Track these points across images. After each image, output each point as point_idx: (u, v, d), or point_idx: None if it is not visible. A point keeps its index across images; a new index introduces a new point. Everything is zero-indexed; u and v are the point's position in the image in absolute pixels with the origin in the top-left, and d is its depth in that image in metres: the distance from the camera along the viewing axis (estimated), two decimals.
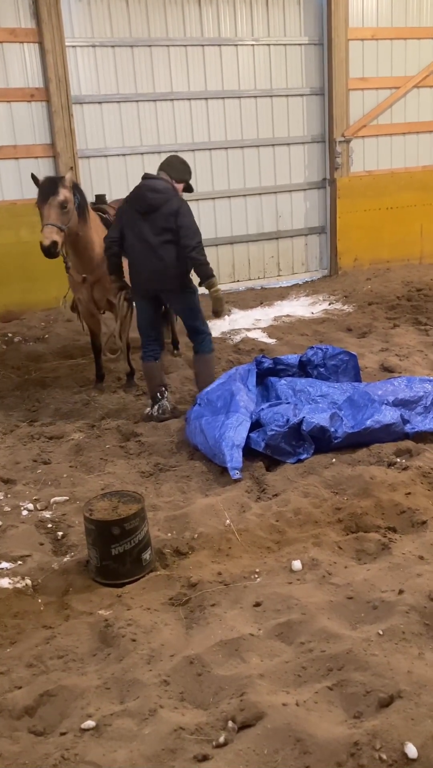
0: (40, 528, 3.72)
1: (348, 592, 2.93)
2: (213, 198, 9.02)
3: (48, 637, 2.84)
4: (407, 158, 10.04)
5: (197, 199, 8.47)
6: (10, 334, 7.57)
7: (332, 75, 9.20)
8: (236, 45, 8.82)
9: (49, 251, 4.84)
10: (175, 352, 6.73)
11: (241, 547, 3.42)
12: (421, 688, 2.30)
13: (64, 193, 4.94)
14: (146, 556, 3.26)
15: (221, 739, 2.20)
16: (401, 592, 2.84)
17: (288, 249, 9.83)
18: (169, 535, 3.56)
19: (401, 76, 9.67)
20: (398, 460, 4.15)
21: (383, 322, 7.42)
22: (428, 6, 9.67)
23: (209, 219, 8.97)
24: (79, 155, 8.19)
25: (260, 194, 9.43)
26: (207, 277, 4.83)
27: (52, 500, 4.01)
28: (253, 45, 8.91)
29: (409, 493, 3.74)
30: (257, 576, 3.17)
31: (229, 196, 9.23)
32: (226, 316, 7.92)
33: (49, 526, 3.75)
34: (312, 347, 5.25)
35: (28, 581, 3.19)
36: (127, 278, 5.19)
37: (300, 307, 8.48)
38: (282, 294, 9.17)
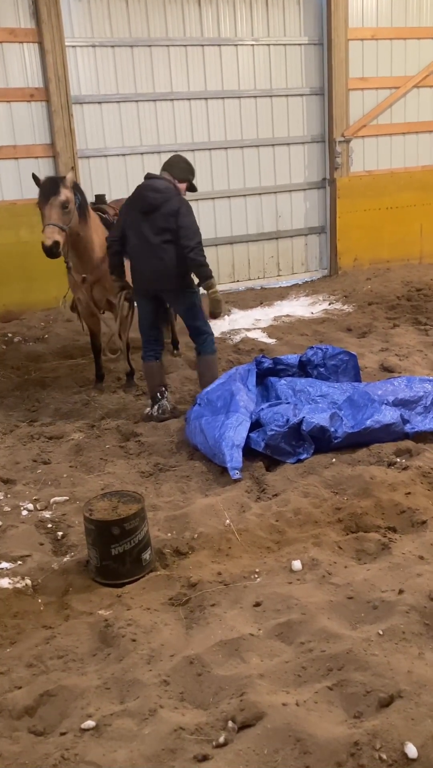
0: (40, 528, 3.71)
1: (348, 592, 2.93)
2: (213, 198, 9.02)
3: (48, 637, 2.84)
4: (406, 158, 10.04)
5: (197, 199, 8.46)
6: (9, 334, 7.57)
7: (332, 75, 9.20)
8: (236, 45, 8.82)
9: (51, 251, 4.84)
10: (175, 352, 6.73)
11: (241, 547, 3.42)
12: (421, 687, 2.30)
13: (65, 193, 4.94)
14: (146, 556, 3.26)
15: (221, 739, 2.20)
16: (401, 591, 2.84)
17: (288, 249, 9.83)
18: (169, 535, 3.56)
19: (401, 76, 9.67)
20: (398, 460, 4.15)
21: (382, 322, 7.42)
22: (428, 6, 9.67)
23: (209, 219, 8.97)
24: (79, 155, 8.18)
25: (259, 194, 9.43)
26: (205, 278, 4.82)
27: (52, 500, 4.01)
28: (253, 45, 8.91)
29: (409, 493, 3.74)
30: (257, 576, 3.17)
31: (229, 196, 9.23)
32: (226, 316, 7.93)
33: (49, 526, 3.75)
34: (312, 347, 5.25)
35: (28, 581, 3.19)
36: (129, 278, 5.19)
37: (300, 307, 8.48)
38: (282, 294, 9.17)
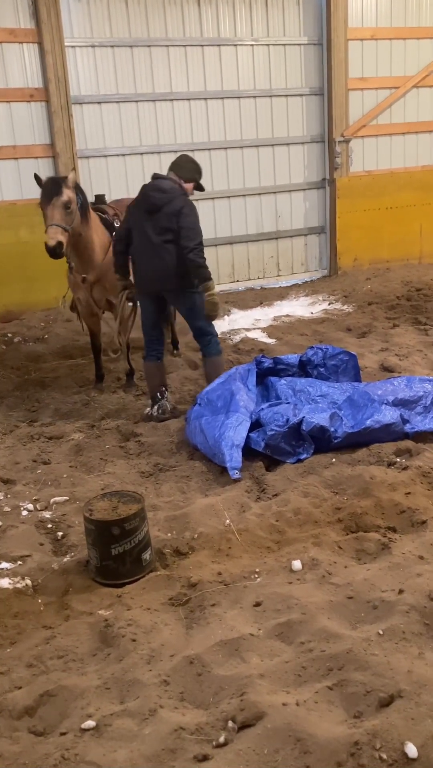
0: (40, 528, 3.71)
1: (348, 591, 2.93)
2: (212, 198, 9.02)
3: (48, 637, 2.84)
4: (406, 158, 10.05)
5: (196, 200, 8.42)
6: (9, 335, 7.57)
7: (332, 75, 9.20)
8: (236, 45, 8.82)
9: (55, 252, 4.84)
10: (175, 352, 6.73)
11: (241, 547, 3.42)
12: (421, 687, 2.30)
13: (67, 194, 4.94)
14: (146, 556, 3.26)
15: (221, 739, 2.20)
16: (401, 591, 2.84)
17: (288, 249, 9.83)
18: (169, 535, 3.56)
19: (401, 76, 9.68)
20: (398, 459, 4.15)
21: (382, 322, 7.42)
22: (428, 6, 9.68)
23: (209, 219, 8.97)
24: (79, 155, 8.18)
25: (259, 194, 9.43)
26: (203, 279, 4.81)
27: (52, 500, 4.01)
28: (252, 45, 8.91)
29: (409, 493, 3.74)
30: (257, 576, 3.17)
31: (228, 196, 9.24)
32: (226, 316, 7.93)
33: (49, 526, 3.75)
34: (312, 347, 5.25)
35: (28, 581, 3.19)
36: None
37: (300, 307, 8.48)
38: (282, 294, 9.17)
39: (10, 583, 3.15)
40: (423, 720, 2.17)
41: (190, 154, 8.27)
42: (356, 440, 4.33)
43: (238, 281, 9.60)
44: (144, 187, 4.95)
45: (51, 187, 4.95)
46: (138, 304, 5.42)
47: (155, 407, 5.17)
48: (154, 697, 2.41)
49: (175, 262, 4.83)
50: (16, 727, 2.39)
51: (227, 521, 3.60)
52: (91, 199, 5.80)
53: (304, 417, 4.30)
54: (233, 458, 4.14)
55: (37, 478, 4.34)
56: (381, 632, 2.61)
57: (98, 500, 3.38)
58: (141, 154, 8.58)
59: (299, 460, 4.26)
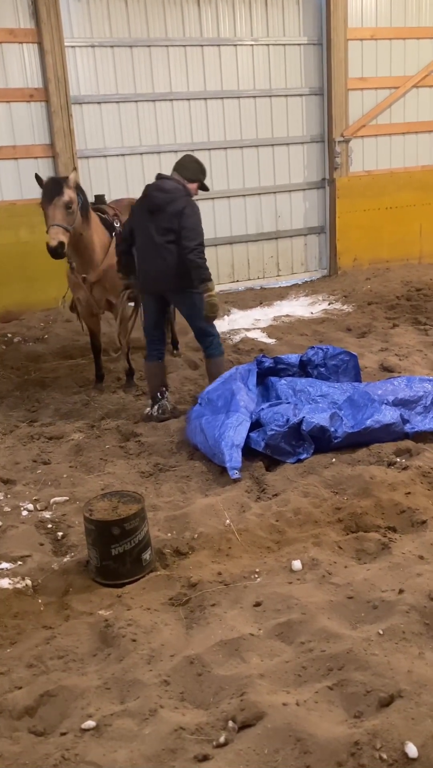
0: (40, 528, 3.71)
1: (348, 591, 2.93)
2: (212, 198, 9.01)
3: (48, 638, 2.84)
4: (406, 158, 10.04)
5: (196, 199, 8.46)
6: (9, 335, 7.57)
7: (331, 75, 9.20)
8: (235, 45, 8.82)
9: (56, 252, 4.84)
10: (175, 352, 6.73)
11: (241, 547, 3.42)
12: (421, 687, 2.30)
13: (69, 194, 4.94)
14: (146, 556, 3.26)
15: (222, 739, 2.21)
16: (401, 591, 2.84)
17: (287, 249, 9.83)
18: (169, 535, 3.56)
19: (400, 76, 9.67)
20: (398, 459, 4.15)
21: (382, 322, 7.42)
22: (427, 6, 9.67)
23: (208, 219, 8.92)
24: (79, 155, 8.18)
25: (259, 194, 9.43)
26: (202, 280, 4.80)
27: (52, 500, 4.01)
28: (252, 45, 8.91)
29: (409, 493, 3.74)
30: (257, 576, 3.17)
31: (228, 196, 9.23)
32: (225, 316, 7.93)
33: (49, 526, 3.75)
34: (313, 347, 5.25)
35: (28, 581, 3.19)
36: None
37: (299, 307, 8.48)
38: (281, 294, 9.17)
39: (10, 584, 3.15)
40: (423, 720, 2.17)
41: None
42: (356, 440, 4.33)
43: (238, 281, 9.60)
44: (147, 187, 4.96)
45: (52, 187, 4.95)
46: (140, 304, 5.43)
47: (155, 407, 5.17)
48: (155, 697, 2.41)
49: (176, 262, 4.83)
50: (17, 727, 2.39)
51: (227, 521, 3.60)
52: (90, 199, 5.81)
53: (304, 417, 4.30)
54: (233, 458, 4.14)
55: (37, 478, 4.34)
56: (381, 632, 2.61)
57: (98, 500, 3.38)
58: (141, 154, 8.58)
59: (299, 460, 4.26)
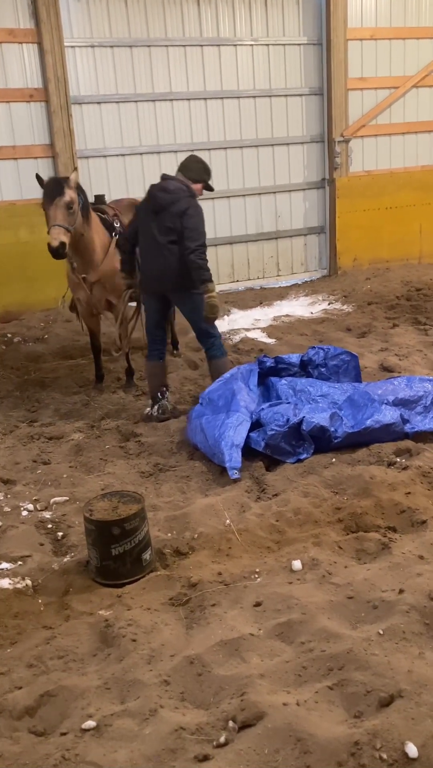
0: (40, 528, 3.72)
1: (348, 591, 2.93)
2: (212, 198, 9.00)
3: (48, 638, 2.84)
4: (406, 158, 10.05)
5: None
6: (9, 335, 7.57)
7: (331, 75, 9.21)
8: (235, 45, 8.82)
9: (58, 252, 4.84)
10: (175, 352, 6.73)
11: (241, 547, 3.42)
12: (421, 687, 2.30)
13: (70, 194, 4.94)
14: (146, 556, 3.26)
15: (222, 739, 2.21)
16: (401, 591, 2.84)
17: (287, 249, 9.83)
18: (169, 535, 3.56)
19: (400, 76, 9.68)
20: (398, 459, 4.15)
21: (382, 322, 7.42)
22: (427, 6, 9.68)
23: (208, 219, 8.83)
24: (78, 155, 8.18)
25: (259, 194, 9.43)
26: (203, 281, 4.80)
27: (52, 500, 4.01)
28: (252, 45, 8.91)
29: (409, 493, 3.74)
30: (257, 576, 3.17)
31: (228, 196, 9.24)
32: (225, 316, 7.93)
33: (49, 526, 3.75)
34: (314, 347, 5.25)
35: (29, 582, 3.19)
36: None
37: (299, 307, 8.48)
38: (281, 294, 9.17)
39: (10, 584, 3.15)
40: (423, 720, 2.17)
41: (190, 154, 8.26)
42: (356, 440, 4.33)
43: (237, 281, 9.60)
44: (151, 187, 4.98)
45: (53, 188, 4.95)
46: (142, 304, 5.43)
47: (155, 407, 5.17)
48: (155, 697, 2.41)
49: (178, 262, 4.83)
50: (17, 727, 2.40)
51: (227, 521, 3.60)
52: (90, 199, 5.81)
53: (304, 417, 4.30)
54: (233, 458, 4.14)
55: (37, 478, 4.34)
56: (381, 632, 2.61)
57: (98, 500, 3.38)
58: (140, 154, 8.58)
59: (299, 460, 4.26)
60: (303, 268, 10.00)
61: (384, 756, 2.06)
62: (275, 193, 9.53)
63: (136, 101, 8.45)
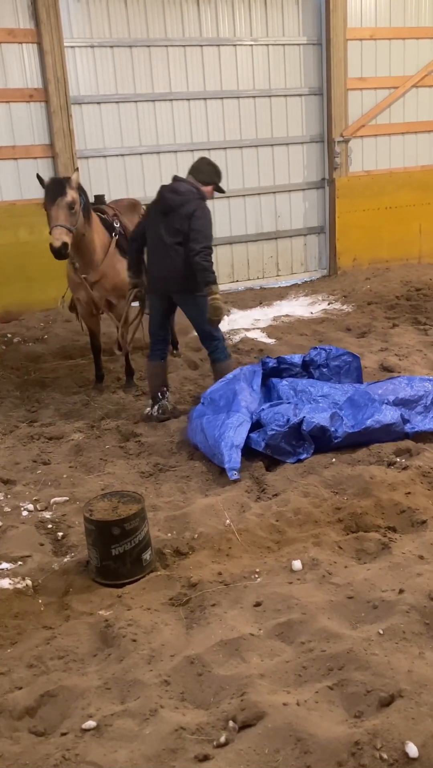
0: (40, 528, 3.72)
1: (348, 591, 2.94)
2: (212, 198, 9.01)
3: (48, 638, 2.84)
4: (405, 158, 10.05)
5: None
6: (9, 335, 7.57)
7: (331, 75, 9.20)
8: (235, 45, 8.82)
9: (60, 252, 4.84)
10: (175, 352, 6.73)
11: (241, 547, 3.42)
12: (421, 687, 2.31)
13: (71, 194, 4.94)
14: (146, 556, 3.26)
15: (222, 739, 2.21)
16: (401, 591, 2.84)
17: (287, 249, 9.83)
18: (169, 535, 3.56)
19: (400, 76, 9.68)
20: (398, 459, 4.15)
21: (382, 322, 7.42)
22: (427, 6, 9.68)
23: None
24: (78, 155, 8.18)
25: (258, 194, 9.43)
26: (207, 283, 4.81)
27: (52, 501, 4.01)
28: (251, 45, 8.91)
29: (409, 493, 3.74)
30: (257, 576, 3.17)
31: (228, 196, 9.20)
32: (225, 316, 7.92)
33: (49, 526, 3.75)
34: (315, 348, 5.25)
35: (29, 582, 3.19)
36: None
37: (299, 307, 8.48)
38: (281, 294, 9.17)
39: (10, 584, 3.15)
40: (424, 719, 2.17)
41: (189, 154, 8.29)
42: (356, 440, 4.33)
43: (237, 281, 9.59)
44: (162, 188, 5.00)
45: (55, 188, 4.95)
46: (145, 304, 5.44)
47: (156, 407, 5.17)
48: (155, 697, 2.41)
49: (183, 263, 4.84)
50: (17, 727, 2.40)
51: (227, 521, 3.60)
52: (90, 199, 5.81)
53: (304, 417, 4.30)
54: (232, 459, 4.14)
55: (37, 478, 4.34)
56: (381, 632, 2.61)
57: (98, 500, 3.38)
58: (140, 154, 8.57)
59: (299, 460, 4.26)
60: (303, 268, 10.00)
61: (384, 756, 2.06)
62: (274, 193, 9.52)
63: (135, 101, 8.44)
